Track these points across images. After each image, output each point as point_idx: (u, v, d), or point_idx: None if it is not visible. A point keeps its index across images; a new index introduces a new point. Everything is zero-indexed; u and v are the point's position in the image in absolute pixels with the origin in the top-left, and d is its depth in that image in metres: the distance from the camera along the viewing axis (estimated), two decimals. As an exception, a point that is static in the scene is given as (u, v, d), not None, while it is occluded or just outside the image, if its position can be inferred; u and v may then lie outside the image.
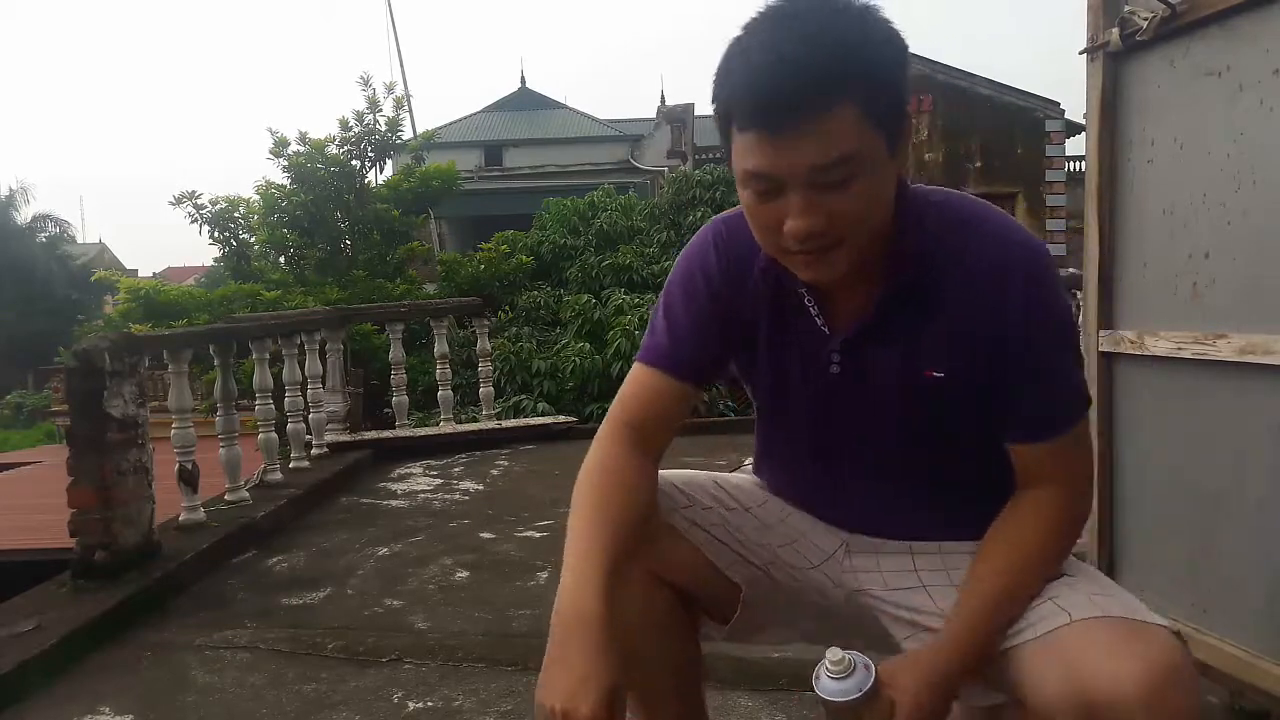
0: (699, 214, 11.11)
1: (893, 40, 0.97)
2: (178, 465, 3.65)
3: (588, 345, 8.74)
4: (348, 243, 11.07)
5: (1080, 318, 2.14)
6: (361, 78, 10.84)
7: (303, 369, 5.07)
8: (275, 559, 3.55)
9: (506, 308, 10.62)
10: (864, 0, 0.97)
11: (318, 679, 2.37)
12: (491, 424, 6.27)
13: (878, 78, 0.95)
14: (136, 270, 28.73)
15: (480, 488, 4.75)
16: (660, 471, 1.23)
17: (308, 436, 5.13)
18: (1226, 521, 1.79)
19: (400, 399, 6.06)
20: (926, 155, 14.56)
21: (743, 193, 1.02)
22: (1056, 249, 14.13)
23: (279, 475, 4.55)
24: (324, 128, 28.61)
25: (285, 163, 10.69)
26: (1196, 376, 1.83)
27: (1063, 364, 1.09)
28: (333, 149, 10.81)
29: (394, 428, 6.13)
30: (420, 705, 2.19)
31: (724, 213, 1.21)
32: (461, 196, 12.95)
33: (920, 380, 1.09)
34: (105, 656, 2.58)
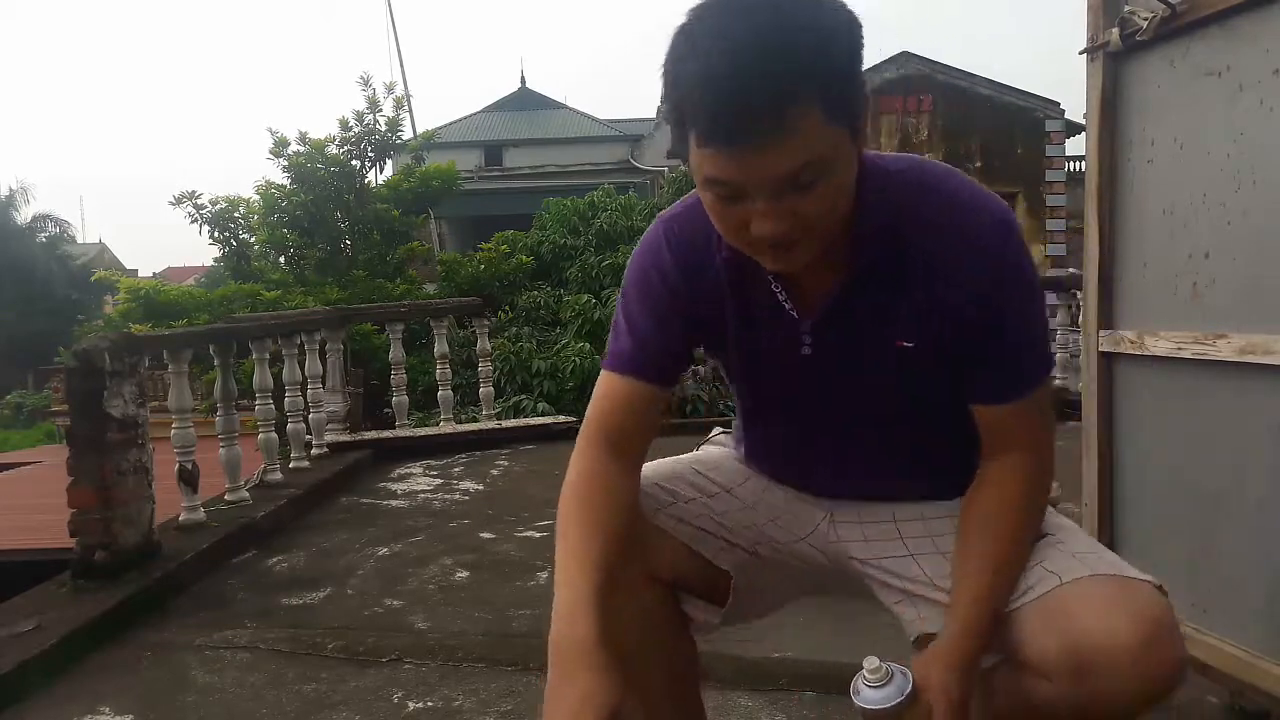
0: (699, 214, 11.09)
1: (846, 22, 0.93)
2: (178, 465, 3.65)
3: (588, 345, 8.75)
4: (348, 243, 11.09)
5: (1080, 318, 2.15)
6: (361, 78, 10.88)
7: (303, 369, 5.07)
8: (275, 559, 3.55)
9: (506, 308, 10.63)
10: None
11: (318, 679, 2.37)
12: (491, 424, 6.27)
13: (836, 71, 0.91)
14: (136, 270, 28.74)
15: (480, 488, 4.75)
16: (641, 469, 1.24)
17: (308, 436, 5.13)
18: (1226, 521, 1.80)
19: (400, 399, 6.06)
20: (926, 155, 14.55)
21: (704, 194, 1.00)
22: (1056, 249, 14.15)
23: (279, 475, 4.55)
24: (324, 128, 28.59)
25: (285, 163, 10.71)
26: (1196, 376, 1.83)
27: (1029, 327, 1.10)
28: (333, 149, 10.83)
29: (394, 428, 6.13)
30: (420, 705, 2.19)
31: (667, 210, 1.20)
32: (461, 196, 12.96)
33: (891, 351, 1.10)
34: (105, 656, 2.58)
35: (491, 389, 6.53)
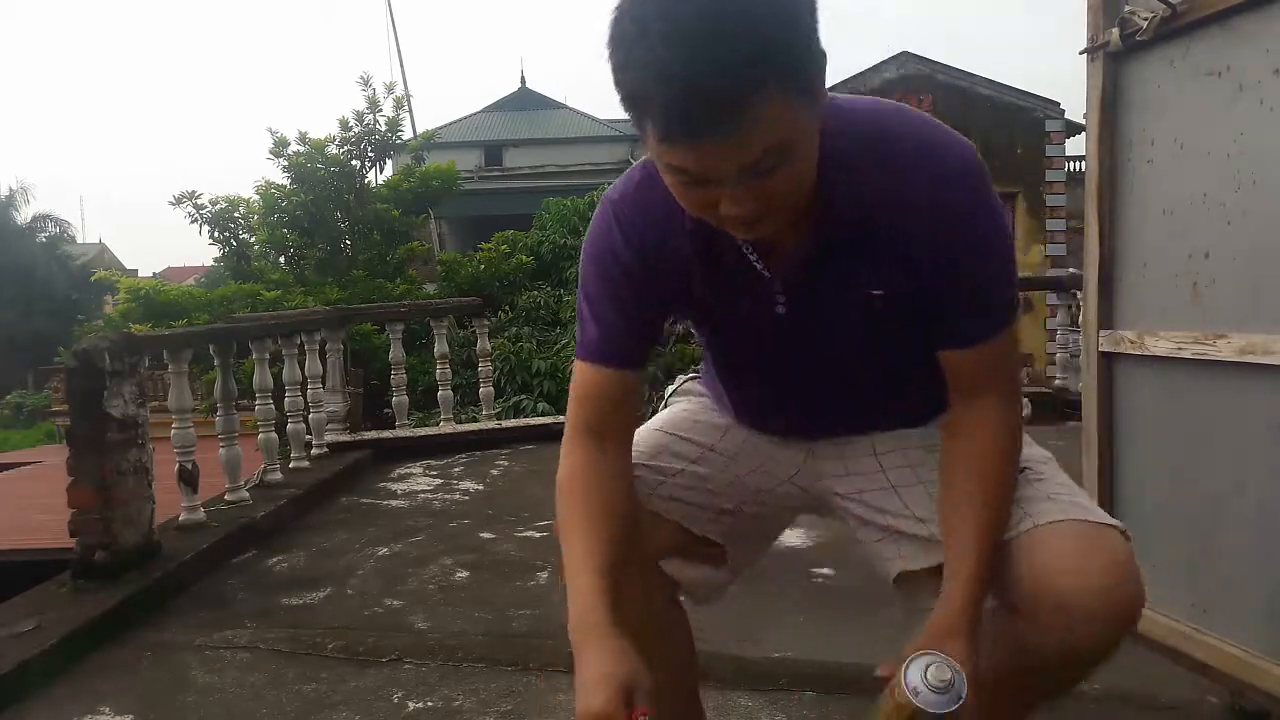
0: (699, 214, 11.09)
1: None
2: (178, 465, 3.65)
3: (588, 345, 8.72)
4: (348, 243, 11.09)
5: (1080, 318, 2.14)
6: (361, 78, 10.89)
7: (303, 369, 5.07)
8: (275, 559, 3.55)
9: (506, 308, 10.63)
10: None
11: (318, 679, 2.37)
12: (491, 424, 6.26)
13: (794, 47, 0.86)
14: (136, 270, 28.74)
15: (480, 488, 4.75)
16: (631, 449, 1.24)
17: (308, 436, 5.13)
18: (1226, 521, 1.80)
19: (400, 399, 6.06)
20: (926, 155, 14.53)
21: (666, 177, 0.96)
22: (1056, 249, 14.15)
23: (279, 475, 4.55)
24: (324, 128, 28.63)
25: (285, 163, 10.72)
26: (1196, 376, 1.84)
27: (997, 269, 1.10)
28: (333, 149, 10.83)
29: (394, 428, 6.12)
30: (420, 705, 2.19)
31: (613, 191, 1.16)
32: (461, 196, 12.96)
33: (863, 300, 1.10)
34: (105, 656, 2.58)
35: (491, 389, 6.52)
